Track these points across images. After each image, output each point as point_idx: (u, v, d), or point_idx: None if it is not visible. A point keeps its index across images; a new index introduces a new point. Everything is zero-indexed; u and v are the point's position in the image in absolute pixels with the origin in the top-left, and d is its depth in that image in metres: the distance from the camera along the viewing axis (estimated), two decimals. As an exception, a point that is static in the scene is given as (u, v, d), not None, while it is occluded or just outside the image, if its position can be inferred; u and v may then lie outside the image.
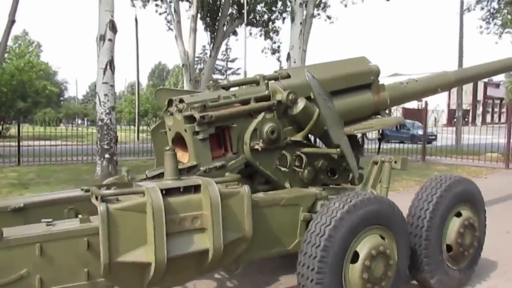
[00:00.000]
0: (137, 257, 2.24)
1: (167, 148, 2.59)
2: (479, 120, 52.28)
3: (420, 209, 3.19)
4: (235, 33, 20.67)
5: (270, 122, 3.22)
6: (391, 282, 2.82)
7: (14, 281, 2.09)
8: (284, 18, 21.46)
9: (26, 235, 2.14)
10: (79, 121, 49.70)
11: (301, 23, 11.54)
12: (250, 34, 22.10)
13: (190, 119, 2.99)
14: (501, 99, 54.44)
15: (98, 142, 8.92)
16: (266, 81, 3.37)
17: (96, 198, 2.36)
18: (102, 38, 8.65)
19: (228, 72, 36.66)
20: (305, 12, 11.88)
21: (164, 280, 2.38)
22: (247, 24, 21.15)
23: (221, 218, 2.38)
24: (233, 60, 34.65)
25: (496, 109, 57.54)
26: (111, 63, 8.74)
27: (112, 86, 8.93)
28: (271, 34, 21.20)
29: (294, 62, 11.81)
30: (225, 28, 18.90)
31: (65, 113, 35.98)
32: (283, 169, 3.27)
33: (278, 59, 21.39)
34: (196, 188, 2.46)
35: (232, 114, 3.11)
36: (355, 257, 2.67)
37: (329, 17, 19.11)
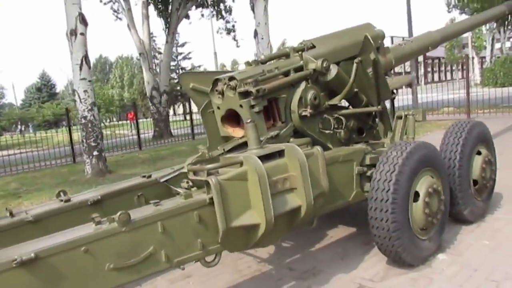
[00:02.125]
0: (248, 220, 2.46)
1: (248, 120, 2.79)
2: (421, 80, 55.03)
3: (450, 151, 3.61)
4: (187, 16, 20.37)
5: (312, 89, 3.47)
6: (442, 215, 3.24)
7: (146, 258, 2.25)
8: (234, -3, 21.42)
9: (149, 215, 2.29)
10: (23, 127, 46.99)
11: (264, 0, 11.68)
12: (202, 15, 21.94)
13: (245, 94, 3.18)
14: (439, 58, 57.61)
15: (84, 140, 8.74)
16: (300, 52, 3.61)
17: (194, 173, 2.54)
18: (73, 33, 8.38)
19: (180, 57, 36.06)
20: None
21: (266, 238, 2.62)
22: (197, 6, 20.94)
23: (308, 177, 2.64)
24: (182, 45, 34.07)
25: (436, 68, 60.79)
26: (86, 58, 8.52)
27: (91, 81, 8.73)
28: (223, 13, 21.11)
29: (262, 38, 12.00)
30: (179, 12, 18.58)
31: (7, 120, 33.99)
32: (327, 131, 3.55)
33: (234, 38, 21.44)
34: (280, 153, 2.70)
35: (280, 86, 3.33)
36: (416, 196, 3.05)
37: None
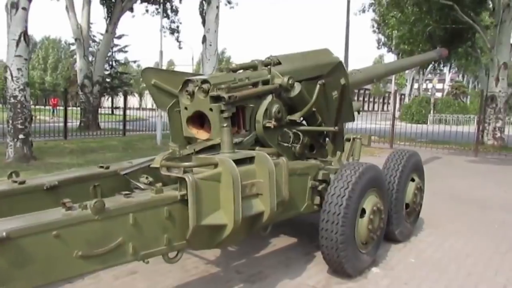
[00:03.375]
0: (217, 220, 2.53)
1: (224, 124, 2.87)
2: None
3: (390, 176, 4.00)
4: (131, 9, 19.76)
5: (276, 103, 3.66)
6: (381, 232, 3.58)
7: (114, 249, 2.22)
8: (181, -2, 21.27)
9: (122, 205, 2.28)
10: None
11: (217, 7, 11.79)
12: (147, 11, 21.39)
13: (216, 99, 3.27)
14: (365, 90, 61.86)
15: (10, 121, 8.09)
16: (269, 67, 3.79)
17: (168, 169, 2.57)
18: (14, 5, 7.78)
19: (115, 49, 34.56)
20: (221, -3, 12.15)
21: (228, 239, 2.71)
22: (143, 0, 20.43)
23: (275, 185, 2.79)
24: (119, 37, 32.77)
25: (366, 99, 65.33)
26: (25, 34, 7.94)
27: (26, 60, 8.14)
28: (169, 12, 20.82)
29: (210, 44, 12.06)
30: (123, 3, 17.97)
31: None
32: (285, 144, 3.74)
33: (177, 39, 21.20)
34: (250, 159, 2.82)
35: (250, 95, 3.47)
36: (362, 212, 3.34)
37: (229, 2, 19.56)
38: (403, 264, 3.74)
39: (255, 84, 3.60)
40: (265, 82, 3.71)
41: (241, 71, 3.86)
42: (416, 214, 4.47)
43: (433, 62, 17.61)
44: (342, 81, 3.35)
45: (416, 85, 44.94)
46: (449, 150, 12.61)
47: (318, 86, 3.75)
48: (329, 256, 3.23)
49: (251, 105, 3.53)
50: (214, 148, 3.26)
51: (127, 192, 2.44)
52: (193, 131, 3.49)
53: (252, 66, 3.91)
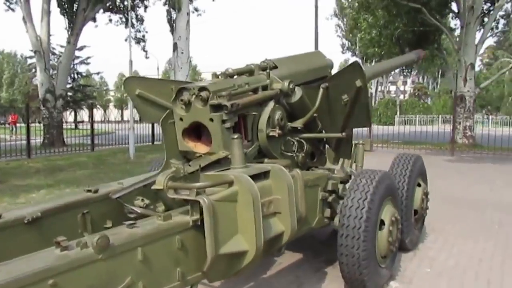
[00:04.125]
0: (237, 247, 2.20)
1: (235, 136, 2.55)
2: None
3: (399, 182, 3.78)
4: (94, 19, 19.01)
5: (279, 110, 3.37)
6: (398, 243, 3.34)
7: None
8: (146, 7, 20.72)
9: (129, 239, 1.90)
10: None
11: (188, 14, 11.45)
12: (110, 21, 20.67)
13: (217, 107, 2.94)
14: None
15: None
16: (267, 71, 3.49)
17: (175, 191, 2.22)
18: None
19: (76, 61, 33.20)
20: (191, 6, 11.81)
21: (249, 266, 2.37)
22: (105, 10, 19.72)
23: (294, 201, 2.49)
24: (81, 48, 31.53)
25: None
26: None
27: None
28: (134, 21, 20.18)
29: (182, 52, 11.69)
30: (85, 13, 17.24)
31: None
32: (288, 153, 3.45)
33: (144, 49, 20.56)
34: (265, 174, 2.51)
35: (252, 102, 3.16)
36: (381, 224, 3.08)
37: (196, 10, 19.17)
38: (419, 275, 3.52)
39: (255, 90, 3.30)
40: (264, 88, 3.42)
41: (235, 76, 3.56)
42: (423, 220, 4.28)
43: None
44: (358, 83, 3.08)
45: (380, 88, 45.99)
46: (426, 150, 12.75)
47: (321, 90, 3.49)
48: (349, 274, 2.94)
49: (254, 113, 3.22)
50: (220, 163, 2.93)
51: (131, 222, 2.06)
52: (190, 144, 3.14)
53: (248, 71, 3.61)
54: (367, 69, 5.74)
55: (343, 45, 35.06)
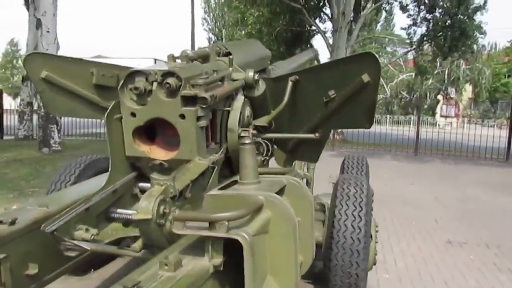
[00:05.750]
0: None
1: (247, 141, 1.89)
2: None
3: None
4: None
5: (247, 105, 2.80)
6: (372, 254, 3.10)
7: None
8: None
9: None
10: None
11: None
12: None
13: (190, 100, 2.22)
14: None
15: None
16: (230, 57, 2.87)
17: (184, 224, 1.50)
18: None
19: None
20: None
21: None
22: None
23: (313, 222, 1.98)
24: None
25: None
26: None
27: None
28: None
29: (48, 31, 9.85)
30: None
31: None
32: (258, 157, 2.89)
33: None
34: (280, 190, 1.94)
35: (227, 95, 2.53)
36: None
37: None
38: (382, 283, 3.37)
39: (221, 80, 2.65)
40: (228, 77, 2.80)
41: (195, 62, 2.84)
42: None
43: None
44: (366, 77, 2.63)
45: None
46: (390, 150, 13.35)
47: (290, 83, 3.00)
48: (343, 297, 2.56)
49: (227, 108, 2.59)
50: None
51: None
52: (143, 148, 2.36)
53: (204, 56, 2.90)
54: (283, 65, 5.46)
55: (209, 39, 34.74)
